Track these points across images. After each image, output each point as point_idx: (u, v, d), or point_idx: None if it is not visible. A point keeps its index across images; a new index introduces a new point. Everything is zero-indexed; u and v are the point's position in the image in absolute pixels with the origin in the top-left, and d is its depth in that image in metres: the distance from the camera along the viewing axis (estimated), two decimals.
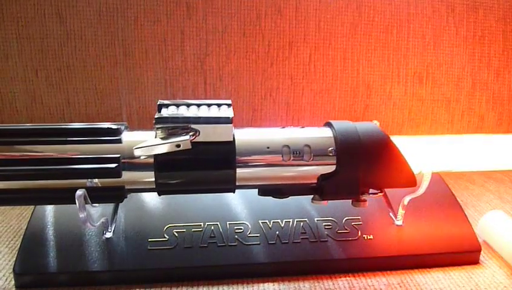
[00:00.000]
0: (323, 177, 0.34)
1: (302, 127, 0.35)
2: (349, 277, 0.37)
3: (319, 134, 0.34)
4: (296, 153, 0.33)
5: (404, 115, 0.61)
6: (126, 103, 0.55)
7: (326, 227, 0.39)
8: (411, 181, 0.35)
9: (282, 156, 0.33)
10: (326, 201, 0.36)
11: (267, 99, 0.58)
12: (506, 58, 0.62)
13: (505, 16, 0.62)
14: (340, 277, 0.37)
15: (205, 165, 0.32)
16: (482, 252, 0.40)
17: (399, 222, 0.40)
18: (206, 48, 0.55)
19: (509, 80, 0.62)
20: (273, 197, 0.35)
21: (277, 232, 0.39)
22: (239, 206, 0.40)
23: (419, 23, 0.59)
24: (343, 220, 0.40)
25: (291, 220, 0.40)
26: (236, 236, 0.38)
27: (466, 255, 0.40)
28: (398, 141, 0.37)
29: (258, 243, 0.38)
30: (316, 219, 0.40)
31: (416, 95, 0.61)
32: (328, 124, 0.35)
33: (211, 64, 0.56)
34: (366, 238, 0.39)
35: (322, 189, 0.34)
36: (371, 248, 0.38)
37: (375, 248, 0.38)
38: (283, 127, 0.35)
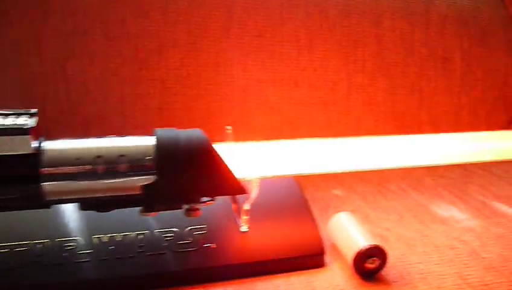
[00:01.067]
0: (145, 188, 0.32)
1: (122, 136, 0.33)
2: (185, 289, 0.36)
3: (137, 143, 0.32)
4: (111, 164, 0.31)
5: (282, 119, 0.61)
6: None
7: (167, 238, 0.38)
8: (237, 188, 0.34)
9: (95, 168, 0.31)
10: (154, 213, 0.34)
11: (137, 105, 0.56)
12: (380, 62, 0.64)
13: (378, 21, 0.64)
14: None
15: (3, 181, 0.29)
16: (329, 255, 0.40)
17: (244, 229, 0.40)
18: (66, 51, 0.52)
19: (384, 83, 0.65)
20: (96, 211, 0.33)
21: (111, 247, 0.37)
22: (74, 221, 0.38)
23: (293, 27, 0.60)
24: (186, 230, 0.39)
25: (129, 233, 0.38)
26: (65, 254, 0.36)
27: (311, 258, 0.40)
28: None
29: (89, 259, 0.36)
30: (156, 231, 0.38)
31: (293, 98, 0.61)
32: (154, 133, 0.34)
33: (74, 69, 0.53)
34: (207, 247, 0.38)
35: (144, 200, 0.32)
36: (211, 258, 0.37)
37: (216, 257, 0.37)
38: (99, 137, 0.33)
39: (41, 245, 0.36)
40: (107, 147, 0.32)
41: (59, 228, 0.37)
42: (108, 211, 0.33)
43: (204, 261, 0.37)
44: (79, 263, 0.35)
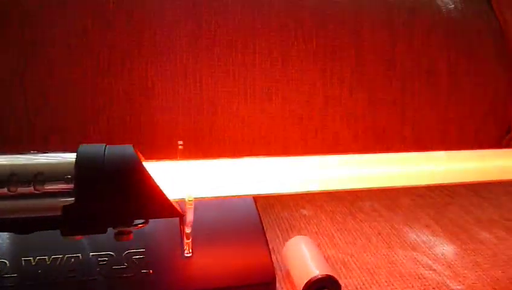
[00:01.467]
0: (65, 210, 0.30)
1: (45, 152, 0.31)
2: None
3: (56, 160, 0.30)
4: (27, 183, 0.29)
5: (254, 133, 0.58)
6: None
7: (101, 263, 0.35)
8: (167, 210, 0.31)
9: (9, 187, 0.29)
10: (78, 236, 0.32)
11: (100, 117, 0.53)
12: (360, 74, 0.61)
13: (356, 32, 0.61)
14: None
15: None
16: (281, 283, 0.37)
17: (187, 254, 0.37)
18: (24, 61, 0.50)
19: (363, 97, 0.61)
20: (15, 233, 0.31)
21: (39, 271, 0.34)
22: (4, 240, 0.36)
23: (265, 38, 0.57)
24: (124, 254, 0.36)
25: (59, 256, 0.35)
26: None
27: (260, 287, 0.36)
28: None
29: (12, 285, 0.33)
30: (91, 254, 0.36)
31: (266, 112, 0.58)
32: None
33: (32, 79, 0.51)
34: (144, 273, 0.35)
35: (65, 223, 0.30)
36: (147, 285, 0.34)
37: (153, 285, 0.35)
38: (21, 153, 0.31)
39: None
40: (23, 164, 0.29)
41: None
42: (28, 234, 0.31)
43: (138, 288, 0.34)
44: (1, 289, 0.33)
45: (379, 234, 0.46)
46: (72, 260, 0.35)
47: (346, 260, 0.41)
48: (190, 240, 0.36)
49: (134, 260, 0.36)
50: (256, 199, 0.44)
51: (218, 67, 0.56)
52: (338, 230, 0.46)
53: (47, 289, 0.33)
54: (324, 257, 0.38)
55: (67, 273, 0.34)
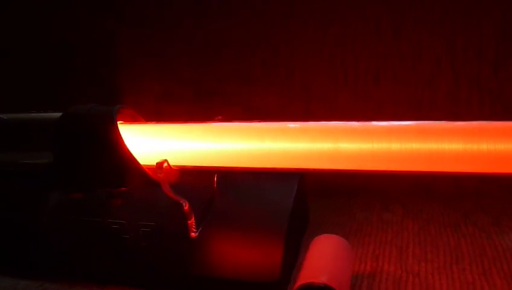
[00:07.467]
0: (45, 165, 0.30)
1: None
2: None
3: (47, 115, 0.31)
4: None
5: None
6: None
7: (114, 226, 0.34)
8: (140, 175, 0.28)
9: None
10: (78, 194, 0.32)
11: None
12: None
13: None
14: None
15: None
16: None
17: (193, 234, 0.32)
18: None
19: None
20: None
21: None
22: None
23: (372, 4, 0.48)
24: (134, 224, 0.34)
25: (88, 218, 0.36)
26: None
27: (261, 287, 0.30)
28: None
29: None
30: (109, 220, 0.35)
31: (372, 98, 0.48)
32: None
33: None
34: (142, 245, 0.33)
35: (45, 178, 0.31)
36: (140, 256, 0.32)
37: (147, 259, 0.32)
38: None
39: None
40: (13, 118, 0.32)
41: None
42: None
43: (131, 256, 0.33)
44: None
45: None
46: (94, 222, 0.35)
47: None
48: (192, 220, 0.32)
49: (141, 231, 0.34)
50: None
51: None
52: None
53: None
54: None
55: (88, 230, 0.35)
